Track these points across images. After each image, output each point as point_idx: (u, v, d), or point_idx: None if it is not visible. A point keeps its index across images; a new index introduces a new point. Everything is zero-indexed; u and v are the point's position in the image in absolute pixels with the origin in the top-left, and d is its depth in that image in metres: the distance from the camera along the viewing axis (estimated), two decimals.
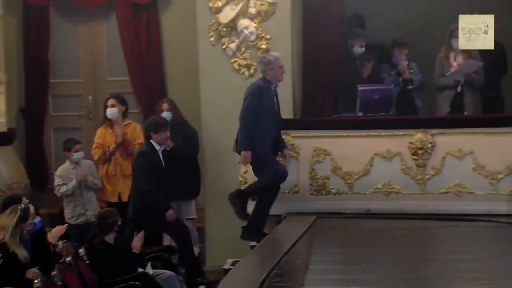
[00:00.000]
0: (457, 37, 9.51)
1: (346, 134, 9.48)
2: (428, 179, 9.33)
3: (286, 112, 9.86)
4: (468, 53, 9.82)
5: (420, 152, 9.34)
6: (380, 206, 9.36)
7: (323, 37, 10.46)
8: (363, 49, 10.23)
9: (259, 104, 8.94)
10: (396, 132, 9.38)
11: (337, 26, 10.45)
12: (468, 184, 9.22)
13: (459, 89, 9.85)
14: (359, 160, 9.46)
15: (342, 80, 10.15)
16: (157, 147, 9.18)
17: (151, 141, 9.16)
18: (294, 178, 9.58)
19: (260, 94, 8.98)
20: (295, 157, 9.60)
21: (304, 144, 9.56)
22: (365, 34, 10.30)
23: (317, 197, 9.45)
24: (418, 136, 9.37)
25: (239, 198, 9.06)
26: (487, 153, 9.15)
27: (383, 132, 9.45)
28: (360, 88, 9.67)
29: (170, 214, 9.06)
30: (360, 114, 9.66)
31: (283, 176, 9.05)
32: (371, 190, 9.43)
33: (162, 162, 9.23)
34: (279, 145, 9.23)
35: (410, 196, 9.32)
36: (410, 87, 10.14)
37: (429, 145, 9.32)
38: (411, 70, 10.19)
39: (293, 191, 9.60)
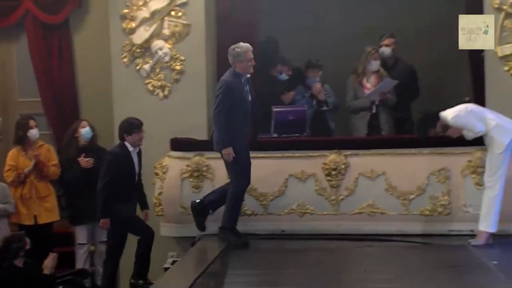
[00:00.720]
0: (375, 59, 9.79)
1: (260, 155, 9.40)
2: (341, 199, 9.36)
3: (201, 133, 9.90)
4: (378, 74, 9.99)
5: (334, 173, 9.38)
6: (294, 227, 9.36)
7: None
8: (287, 76, 10.28)
9: (231, 99, 8.74)
10: (310, 153, 9.39)
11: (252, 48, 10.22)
12: (380, 204, 9.26)
13: (374, 109, 9.96)
14: (273, 181, 9.45)
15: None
16: (130, 148, 9.08)
17: (125, 142, 9.05)
18: None
19: (231, 89, 8.78)
20: (210, 178, 9.57)
21: (219, 165, 9.43)
22: (290, 63, 10.35)
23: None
24: (332, 157, 9.41)
25: (200, 209, 9.00)
26: (399, 173, 9.22)
27: (298, 153, 9.45)
28: (275, 109, 9.69)
29: (103, 222, 8.93)
30: (275, 135, 9.67)
31: (248, 182, 8.99)
32: (286, 211, 9.42)
33: (135, 164, 9.15)
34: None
35: (324, 217, 9.33)
36: (324, 108, 10.20)
37: (343, 166, 9.37)
38: (325, 92, 10.26)
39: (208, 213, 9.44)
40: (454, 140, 8.94)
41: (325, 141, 9.66)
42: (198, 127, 9.48)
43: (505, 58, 9.52)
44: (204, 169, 9.59)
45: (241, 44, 8.85)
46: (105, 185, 8.96)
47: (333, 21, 11.18)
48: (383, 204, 9.28)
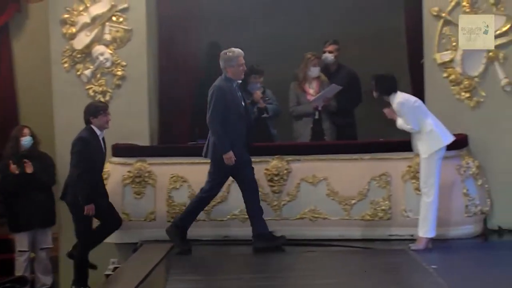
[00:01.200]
0: (315, 66, 9.80)
1: (203, 161, 9.32)
2: (284, 205, 9.38)
3: (143, 139, 9.86)
4: (319, 80, 9.99)
5: (276, 178, 9.40)
6: (237, 233, 9.34)
7: (180, 64, 10.42)
8: (258, 84, 10.18)
9: (224, 104, 8.67)
10: (253, 159, 9.28)
11: (194, 53, 10.39)
12: (322, 209, 9.30)
13: (316, 115, 10.00)
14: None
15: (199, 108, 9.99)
16: (97, 131, 8.96)
17: (92, 126, 8.91)
18: (150, 206, 9.55)
19: (223, 94, 8.69)
20: (152, 184, 9.51)
21: (161, 171, 9.49)
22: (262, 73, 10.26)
23: None
24: (274, 163, 9.43)
25: (176, 230, 8.87)
26: (340, 179, 9.27)
27: None
28: None
29: (89, 208, 8.79)
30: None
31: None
32: (228, 216, 9.42)
33: (103, 147, 9.03)
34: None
35: (266, 222, 9.18)
36: (265, 115, 10.15)
37: (285, 172, 9.39)
38: (267, 98, 10.24)
39: (150, 219, 9.52)
40: (395, 145, 9.06)
41: (267, 147, 9.65)
42: (140, 132, 9.42)
43: (444, 65, 9.64)
44: (146, 175, 9.55)
45: (233, 49, 8.79)
46: (83, 170, 8.81)
47: (277, 26, 11.21)
48: (325, 209, 9.31)
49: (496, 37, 9.44)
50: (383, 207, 9.26)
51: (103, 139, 9.09)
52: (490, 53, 9.48)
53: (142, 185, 9.56)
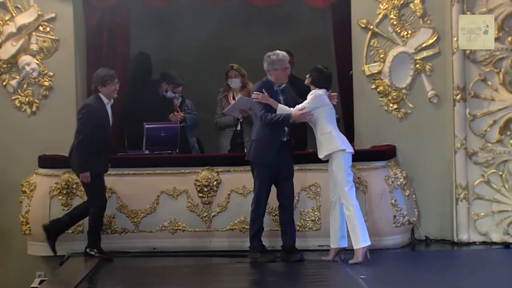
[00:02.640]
0: (232, 77, 9.72)
1: (132, 172, 9.40)
2: (214, 216, 9.37)
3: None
4: (244, 91, 9.89)
5: (205, 189, 9.39)
6: (166, 244, 9.33)
7: None
8: (174, 94, 10.15)
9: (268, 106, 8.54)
10: (182, 169, 9.37)
11: (123, 64, 10.25)
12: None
13: (238, 127, 9.95)
14: (145, 198, 9.43)
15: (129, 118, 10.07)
16: (105, 100, 8.90)
17: (99, 94, 8.83)
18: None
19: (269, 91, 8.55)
20: (80, 196, 9.41)
21: None
22: (181, 82, 10.24)
23: (102, 236, 9.17)
24: (203, 173, 9.41)
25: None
26: (273, 189, 9.06)
27: (169, 170, 9.43)
28: (146, 125, 9.58)
29: (84, 175, 8.73)
30: (146, 152, 9.58)
31: None
32: (158, 228, 9.38)
33: (110, 116, 8.95)
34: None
35: (196, 234, 9.34)
36: (182, 125, 10.08)
37: (215, 183, 9.39)
38: (186, 108, 10.23)
39: (77, 231, 9.38)
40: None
41: (197, 157, 9.66)
42: (68, 143, 9.18)
43: (372, 76, 9.72)
44: (74, 186, 9.43)
45: (277, 51, 8.67)
46: (83, 138, 8.75)
47: (205, 35, 11.13)
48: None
49: (423, 49, 9.61)
50: (312, 218, 9.27)
51: (111, 107, 9.03)
52: (417, 65, 9.60)
53: (69, 197, 9.43)
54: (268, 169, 8.54)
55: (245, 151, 9.56)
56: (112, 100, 9.01)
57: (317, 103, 8.56)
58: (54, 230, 8.97)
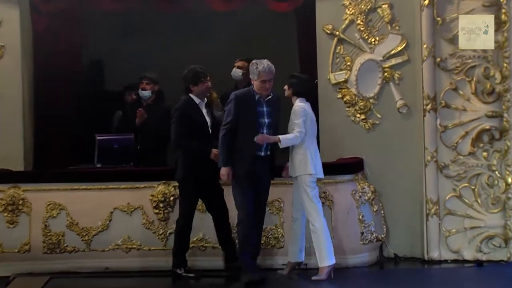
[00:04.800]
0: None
1: (83, 187, 9.16)
2: (170, 234, 9.08)
3: (17, 164, 9.55)
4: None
5: (162, 205, 9.14)
6: (120, 264, 9.07)
7: (58, 83, 10.05)
8: (150, 92, 9.80)
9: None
10: (137, 184, 9.14)
11: (74, 71, 10.08)
12: (211, 238, 9.00)
13: None
14: (97, 215, 9.18)
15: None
16: (197, 100, 8.56)
17: (190, 95, 8.54)
18: (25, 236, 9.12)
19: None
20: (27, 213, 9.17)
21: (36, 198, 9.10)
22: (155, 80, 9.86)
23: (51, 255, 9.04)
24: (159, 188, 9.18)
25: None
26: (231, 202, 8.75)
27: (123, 185, 9.21)
28: (98, 137, 9.35)
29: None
30: (99, 165, 9.36)
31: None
32: (110, 246, 9.12)
33: (205, 116, 8.62)
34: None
35: (151, 253, 9.06)
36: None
37: (172, 198, 9.13)
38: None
39: (24, 250, 9.14)
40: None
41: (153, 171, 9.35)
42: (13, 156, 9.10)
43: (338, 85, 9.56)
44: (20, 202, 9.19)
45: (259, 62, 8.41)
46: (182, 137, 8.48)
47: (163, 41, 10.95)
48: (214, 239, 8.96)
49: (391, 56, 9.48)
50: (275, 235, 9.07)
51: (206, 104, 8.76)
52: (386, 74, 9.46)
53: (15, 214, 9.14)
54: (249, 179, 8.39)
55: None
56: (205, 99, 8.71)
57: (304, 117, 8.44)
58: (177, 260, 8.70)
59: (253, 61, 8.48)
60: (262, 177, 8.44)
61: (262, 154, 8.40)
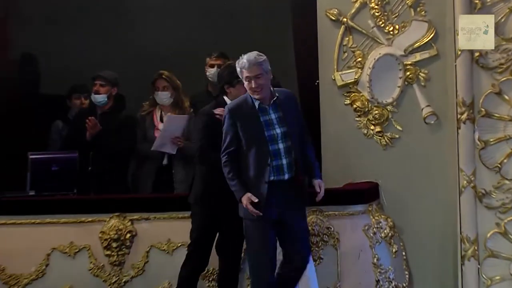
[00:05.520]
0: (163, 90, 8.70)
1: (11, 221, 8.12)
2: (126, 282, 8.11)
3: None
4: (181, 111, 8.67)
5: (115, 245, 8.11)
6: None
7: None
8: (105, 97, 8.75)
9: None
10: (83, 217, 8.07)
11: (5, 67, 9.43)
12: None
13: (165, 161, 8.69)
14: (30, 257, 8.12)
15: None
16: None
17: (224, 97, 7.50)
18: None
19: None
20: None
21: None
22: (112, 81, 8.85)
23: None
24: (112, 223, 8.14)
25: None
26: None
27: (64, 218, 8.13)
28: (32, 156, 8.26)
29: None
30: (32, 193, 8.32)
31: None
32: None
33: None
34: None
35: None
36: None
37: (128, 236, 8.13)
38: None
39: None
40: None
41: (103, 201, 8.32)
42: None
43: (346, 88, 8.34)
44: None
45: (243, 56, 7.14)
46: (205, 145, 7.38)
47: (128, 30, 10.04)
48: None
49: (415, 50, 8.33)
50: None
51: None
52: (408, 73, 8.29)
53: None
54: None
55: (175, 192, 8.54)
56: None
57: None
58: None
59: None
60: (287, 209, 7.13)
61: (286, 177, 7.03)
